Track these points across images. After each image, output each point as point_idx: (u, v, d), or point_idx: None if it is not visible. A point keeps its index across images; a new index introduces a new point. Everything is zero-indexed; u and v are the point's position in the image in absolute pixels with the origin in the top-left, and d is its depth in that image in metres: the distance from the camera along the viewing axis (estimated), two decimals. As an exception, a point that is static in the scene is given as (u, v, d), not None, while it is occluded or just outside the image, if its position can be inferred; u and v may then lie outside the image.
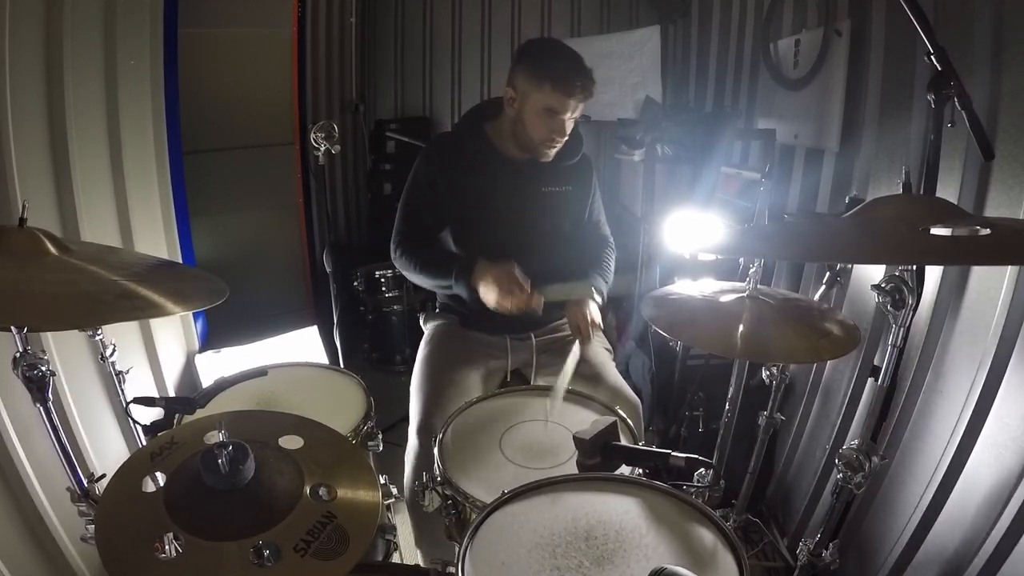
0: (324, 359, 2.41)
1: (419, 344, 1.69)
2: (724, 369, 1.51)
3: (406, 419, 1.52)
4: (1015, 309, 1.16)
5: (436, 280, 1.57)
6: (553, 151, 1.55)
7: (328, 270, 1.80)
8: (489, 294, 1.46)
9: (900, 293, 0.90)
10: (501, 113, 1.58)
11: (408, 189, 1.61)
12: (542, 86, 1.44)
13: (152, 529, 0.74)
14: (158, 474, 0.84)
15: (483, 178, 1.58)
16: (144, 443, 1.25)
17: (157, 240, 2.01)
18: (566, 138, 1.54)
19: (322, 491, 0.83)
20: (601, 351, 1.66)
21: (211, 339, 2.36)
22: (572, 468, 1.01)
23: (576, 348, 1.49)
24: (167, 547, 0.72)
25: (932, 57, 0.94)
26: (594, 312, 1.58)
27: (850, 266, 1.55)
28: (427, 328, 1.74)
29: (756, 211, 1.39)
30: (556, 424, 1.25)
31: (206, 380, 2.16)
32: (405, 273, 1.62)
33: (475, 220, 1.59)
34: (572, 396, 1.37)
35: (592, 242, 1.77)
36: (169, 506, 0.78)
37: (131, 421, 1.24)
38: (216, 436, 0.81)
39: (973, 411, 1.23)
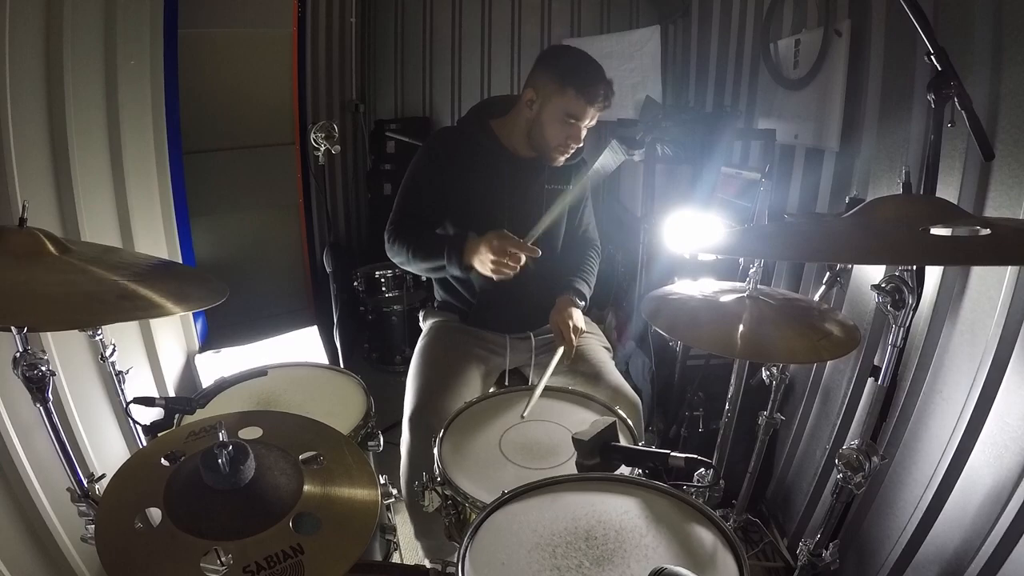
0: (324, 359, 2.41)
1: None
2: (724, 369, 1.51)
3: (406, 419, 1.52)
4: (1015, 309, 1.16)
5: (429, 262, 1.55)
6: (564, 157, 1.56)
7: (328, 270, 1.80)
8: (484, 264, 1.44)
9: (900, 293, 0.90)
10: (509, 111, 1.59)
11: (407, 181, 1.61)
12: (565, 91, 1.44)
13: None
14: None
15: (488, 173, 1.58)
16: (144, 443, 1.25)
17: (157, 240, 2.01)
18: (580, 145, 1.55)
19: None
20: (601, 351, 1.66)
21: (211, 339, 2.36)
22: (572, 468, 1.01)
23: (560, 351, 1.50)
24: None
25: (932, 57, 0.94)
26: (577, 318, 1.58)
27: (850, 266, 1.54)
28: (426, 325, 1.74)
29: (756, 211, 1.39)
30: (556, 424, 1.25)
31: (206, 380, 2.16)
32: (398, 260, 1.59)
33: (478, 214, 1.59)
34: (572, 396, 1.37)
35: (580, 244, 1.78)
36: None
37: (131, 421, 1.24)
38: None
39: (973, 411, 1.23)
